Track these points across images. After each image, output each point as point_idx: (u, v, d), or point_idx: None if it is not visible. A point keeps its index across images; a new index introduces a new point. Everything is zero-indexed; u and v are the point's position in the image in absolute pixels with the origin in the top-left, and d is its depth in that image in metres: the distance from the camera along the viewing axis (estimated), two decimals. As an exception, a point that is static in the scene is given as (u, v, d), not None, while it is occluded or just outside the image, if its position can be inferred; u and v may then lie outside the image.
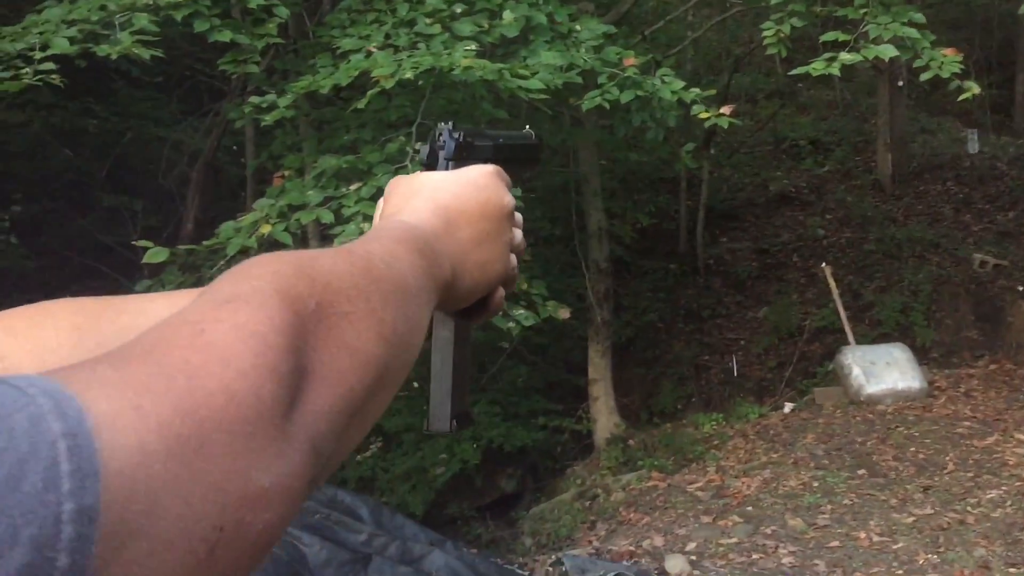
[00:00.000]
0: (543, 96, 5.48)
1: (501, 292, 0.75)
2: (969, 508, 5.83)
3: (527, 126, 0.95)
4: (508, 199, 0.74)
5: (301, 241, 5.91)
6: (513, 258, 0.75)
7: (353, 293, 0.51)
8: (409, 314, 0.56)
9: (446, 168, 0.76)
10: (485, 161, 0.77)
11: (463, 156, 0.77)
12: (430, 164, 0.77)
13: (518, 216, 0.77)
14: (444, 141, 0.77)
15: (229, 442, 0.39)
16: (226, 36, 4.95)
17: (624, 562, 5.53)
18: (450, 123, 0.79)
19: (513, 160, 0.84)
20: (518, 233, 0.76)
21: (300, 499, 0.44)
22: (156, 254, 4.78)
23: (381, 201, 0.75)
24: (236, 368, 0.41)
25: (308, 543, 4.15)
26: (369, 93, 4.95)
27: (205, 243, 5.15)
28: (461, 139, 0.78)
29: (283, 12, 5.26)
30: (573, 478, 8.34)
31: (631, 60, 6.07)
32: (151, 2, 4.77)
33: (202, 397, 0.40)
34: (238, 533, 0.40)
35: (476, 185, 0.72)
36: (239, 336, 0.43)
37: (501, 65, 5.16)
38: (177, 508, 0.37)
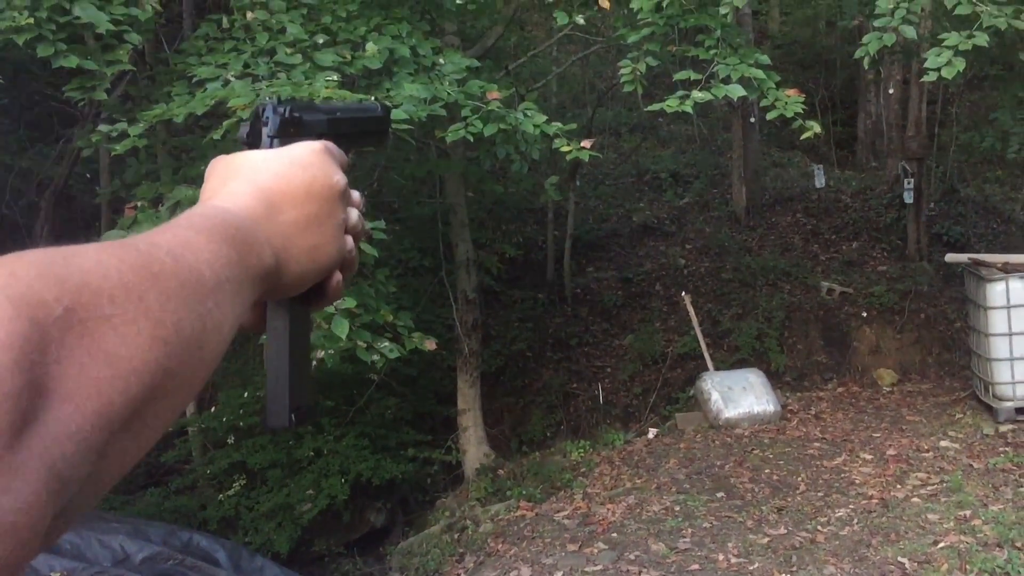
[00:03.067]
0: (407, 127, 5.49)
1: (338, 276, 0.70)
2: (819, 527, 6.10)
3: (373, 97, 0.89)
4: (337, 177, 0.69)
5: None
6: (349, 240, 0.70)
7: (119, 293, 0.46)
8: (203, 311, 0.51)
9: (270, 146, 0.70)
10: (318, 137, 0.71)
11: (291, 132, 0.70)
12: (252, 143, 0.70)
13: (354, 194, 0.72)
14: (267, 117, 0.70)
15: None
16: (72, 62, 4.75)
17: (491, 594, 5.52)
18: (275, 97, 0.72)
19: (354, 135, 0.78)
20: (353, 213, 0.71)
21: (38, 533, 0.40)
22: (-6, 289, 4.51)
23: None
24: None
25: (160, 591, 3.97)
26: (226, 123, 4.85)
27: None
28: (287, 114, 0.70)
29: (135, 38, 5.09)
30: (442, 510, 8.28)
31: (495, 94, 6.16)
32: (-11, 25, 4.54)
33: None
34: None
35: (301, 163, 0.67)
36: None
37: (362, 96, 5.14)
38: None
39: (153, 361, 0.47)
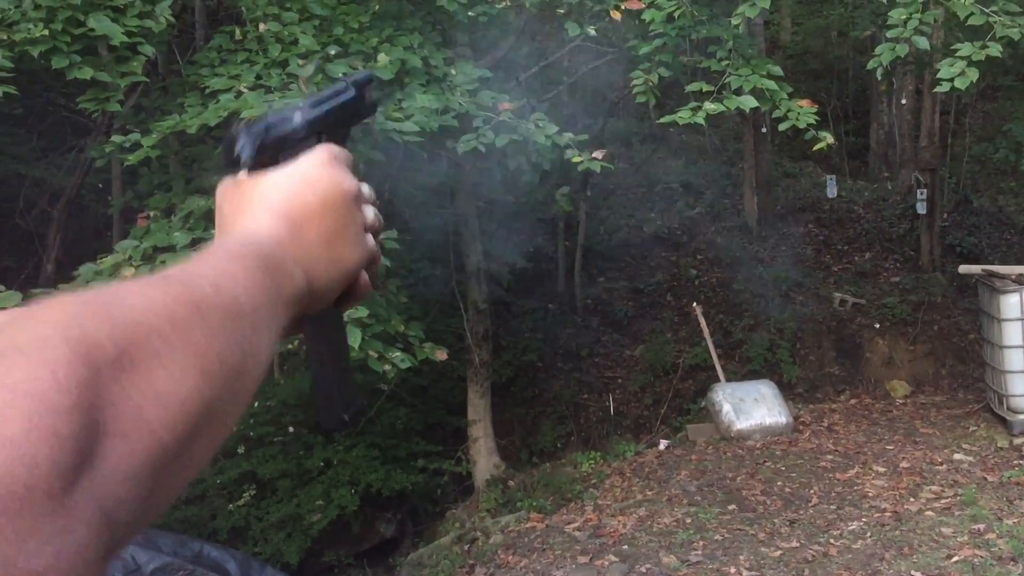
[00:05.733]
0: (418, 138, 5.50)
1: (365, 276, 0.70)
2: (832, 540, 6.05)
3: (341, 73, 0.82)
4: (348, 183, 0.68)
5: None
6: (370, 238, 0.70)
7: (167, 329, 0.46)
8: (243, 340, 0.52)
9: (248, 173, 0.68)
10: (300, 144, 0.69)
11: (269, 156, 0.67)
12: (232, 171, 0.69)
13: (365, 190, 0.71)
14: (242, 146, 0.67)
15: None
16: (86, 74, 4.78)
17: (501, 606, 5.49)
18: (243, 122, 0.69)
19: (339, 123, 0.74)
20: (369, 211, 0.71)
21: (92, 573, 0.40)
22: (6, 298, 4.54)
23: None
24: (2, 436, 0.37)
25: (169, 602, 3.96)
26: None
27: (61, 287, 4.92)
28: (260, 141, 0.68)
29: (148, 50, 5.12)
30: (452, 521, 8.27)
31: (506, 104, 6.17)
32: (4, 38, 4.56)
33: None
34: None
35: (310, 180, 0.66)
36: (9, 398, 0.38)
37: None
38: None
39: (200, 397, 0.47)
